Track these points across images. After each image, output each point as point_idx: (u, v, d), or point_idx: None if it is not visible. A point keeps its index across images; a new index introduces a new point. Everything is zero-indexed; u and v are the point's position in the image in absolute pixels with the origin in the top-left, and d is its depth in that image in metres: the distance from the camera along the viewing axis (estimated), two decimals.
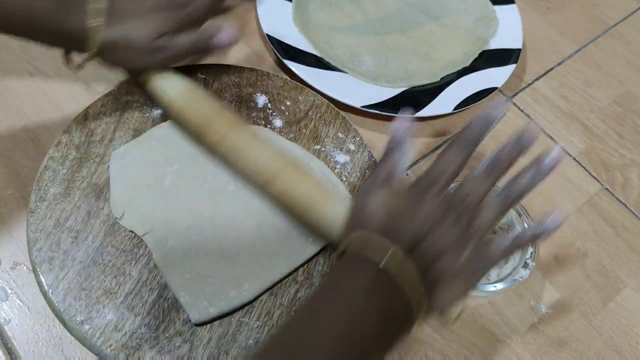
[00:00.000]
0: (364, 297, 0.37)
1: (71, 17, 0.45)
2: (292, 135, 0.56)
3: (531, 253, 0.50)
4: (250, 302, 0.46)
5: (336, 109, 0.57)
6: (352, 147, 0.55)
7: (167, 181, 0.51)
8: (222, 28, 0.50)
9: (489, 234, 0.41)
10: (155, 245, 0.47)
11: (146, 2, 0.48)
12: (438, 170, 0.41)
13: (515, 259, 0.50)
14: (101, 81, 0.59)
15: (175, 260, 0.47)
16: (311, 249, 0.49)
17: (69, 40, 0.47)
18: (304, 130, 0.56)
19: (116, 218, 0.49)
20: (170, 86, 0.51)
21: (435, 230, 0.39)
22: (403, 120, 0.42)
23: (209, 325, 0.45)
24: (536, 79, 0.68)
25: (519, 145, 0.41)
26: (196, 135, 0.51)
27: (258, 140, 0.49)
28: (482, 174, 0.41)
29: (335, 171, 0.54)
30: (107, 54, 0.48)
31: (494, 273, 0.50)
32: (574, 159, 0.62)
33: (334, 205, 0.46)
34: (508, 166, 0.41)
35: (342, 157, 0.55)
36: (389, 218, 0.39)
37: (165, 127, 0.54)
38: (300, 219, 0.48)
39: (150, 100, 0.54)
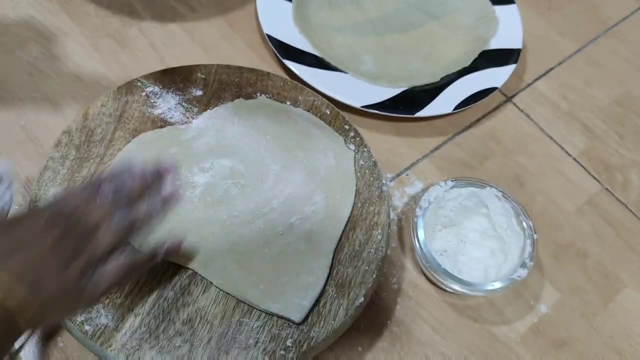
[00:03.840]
0: None
1: None
2: None
3: (529, 253, 0.50)
4: (329, 276, 0.47)
5: (336, 109, 0.57)
6: (352, 147, 0.55)
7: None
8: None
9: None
10: (211, 273, 0.47)
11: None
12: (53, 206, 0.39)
13: (514, 258, 0.50)
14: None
15: (236, 277, 0.47)
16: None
17: None
18: None
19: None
20: None
21: (32, 245, 0.36)
22: None
23: (208, 325, 0.45)
24: (536, 79, 0.68)
25: (135, 177, 0.40)
26: None
27: None
28: (103, 201, 0.39)
29: None
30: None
31: (492, 272, 0.50)
32: (574, 159, 0.62)
33: None
34: (132, 191, 0.40)
35: None
36: None
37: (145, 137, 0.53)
38: None
39: None
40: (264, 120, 0.55)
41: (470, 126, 0.63)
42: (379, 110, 0.59)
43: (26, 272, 0.35)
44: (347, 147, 0.55)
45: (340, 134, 0.56)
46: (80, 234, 0.37)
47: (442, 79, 0.63)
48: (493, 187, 0.53)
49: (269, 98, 0.57)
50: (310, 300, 0.46)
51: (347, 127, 0.56)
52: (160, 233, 0.47)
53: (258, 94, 0.57)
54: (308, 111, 0.57)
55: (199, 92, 0.57)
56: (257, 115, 0.56)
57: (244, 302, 0.46)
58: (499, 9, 0.69)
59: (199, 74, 0.57)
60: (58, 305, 0.37)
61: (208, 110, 0.55)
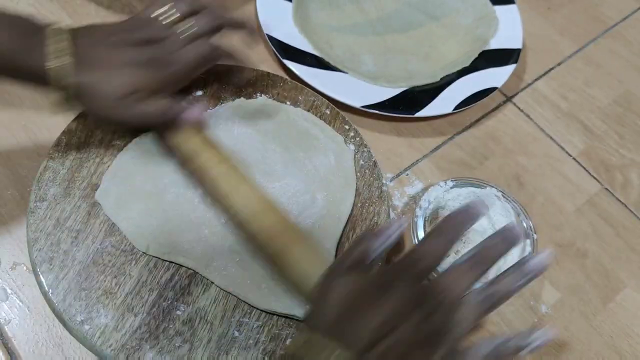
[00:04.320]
0: None
1: (32, 57, 0.42)
2: None
3: (529, 253, 0.50)
4: None
5: (336, 109, 0.57)
6: (352, 147, 0.55)
7: (169, 196, 0.50)
8: (195, 105, 0.49)
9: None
10: (211, 273, 0.47)
11: (124, 54, 0.45)
12: (415, 257, 0.35)
13: (514, 259, 0.50)
14: None
15: (238, 277, 0.47)
16: None
17: (35, 80, 0.44)
18: None
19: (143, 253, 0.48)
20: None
21: (399, 328, 0.33)
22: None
23: (208, 325, 0.45)
24: (536, 79, 0.68)
25: (509, 240, 0.36)
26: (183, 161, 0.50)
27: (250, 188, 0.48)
28: (466, 266, 0.36)
29: None
30: (77, 99, 0.45)
31: (492, 272, 0.50)
32: (574, 159, 0.62)
33: (320, 268, 0.41)
34: (494, 260, 0.36)
35: None
36: (347, 311, 0.34)
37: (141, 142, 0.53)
38: (286, 276, 0.46)
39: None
40: (265, 121, 0.55)
41: (470, 126, 0.63)
42: (379, 110, 0.59)
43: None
44: (347, 146, 0.55)
45: (340, 134, 0.56)
46: (440, 304, 0.34)
47: (442, 79, 0.63)
48: (493, 187, 0.53)
49: (270, 98, 0.57)
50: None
51: (347, 127, 0.56)
52: (160, 234, 0.48)
53: (258, 94, 0.58)
54: (308, 111, 0.57)
55: (199, 92, 0.57)
56: (258, 116, 0.56)
57: (244, 302, 0.46)
58: (499, 9, 0.69)
59: (199, 74, 0.57)
60: None
61: (208, 110, 0.55)
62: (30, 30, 0.43)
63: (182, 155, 0.50)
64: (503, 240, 0.37)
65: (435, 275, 0.37)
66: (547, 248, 0.38)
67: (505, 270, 0.37)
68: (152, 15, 0.48)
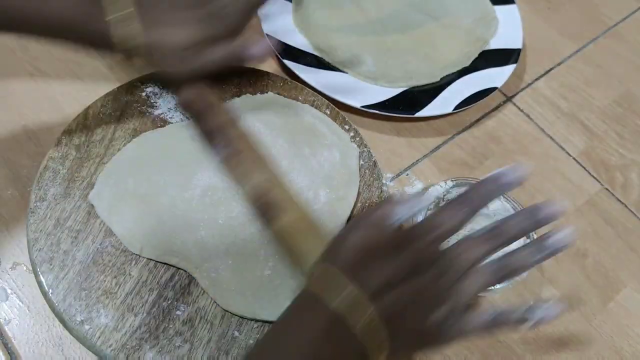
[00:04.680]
0: (314, 344, 0.35)
1: (96, 24, 0.46)
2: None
3: None
4: None
5: (336, 109, 0.58)
6: (354, 146, 0.55)
7: (165, 198, 0.50)
8: (256, 41, 0.50)
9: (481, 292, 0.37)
10: (201, 274, 0.47)
11: (183, 13, 0.48)
12: (434, 222, 0.37)
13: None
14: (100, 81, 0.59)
15: (225, 283, 0.46)
16: None
17: (99, 45, 0.48)
18: None
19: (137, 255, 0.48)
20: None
21: (410, 281, 0.35)
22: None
23: (208, 325, 0.45)
24: (536, 79, 0.68)
25: (533, 218, 0.37)
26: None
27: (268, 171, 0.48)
28: (482, 237, 0.37)
29: None
30: (145, 56, 0.48)
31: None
32: (574, 159, 0.62)
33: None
34: (514, 237, 0.37)
35: None
36: (363, 257, 0.36)
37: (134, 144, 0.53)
38: (289, 252, 0.47)
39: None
40: (271, 116, 0.55)
41: (470, 126, 0.63)
42: (379, 110, 0.59)
43: (392, 310, 0.35)
44: (353, 145, 0.55)
45: None
46: (451, 277, 0.36)
47: (442, 79, 0.63)
48: None
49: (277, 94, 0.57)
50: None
51: (347, 127, 0.56)
52: (154, 236, 0.48)
53: (258, 94, 0.57)
54: None
55: None
56: (264, 111, 0.56)
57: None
58: (499, 9, 0.69)
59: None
60: (408, 344, 0.37)
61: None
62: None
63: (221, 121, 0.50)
64: (529, 217, 0.37)
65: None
66: (568, 228, 0.38)
67: (525, 245, 0.37)
68: None
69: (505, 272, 0.37)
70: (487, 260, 0.37)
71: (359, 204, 0.52)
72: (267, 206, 0.46)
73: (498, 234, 0.37)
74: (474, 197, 0.37)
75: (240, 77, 0.58)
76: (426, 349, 0.39)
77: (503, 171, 0.37)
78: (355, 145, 0.55)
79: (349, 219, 0.51)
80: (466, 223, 0.37)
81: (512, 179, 0.37)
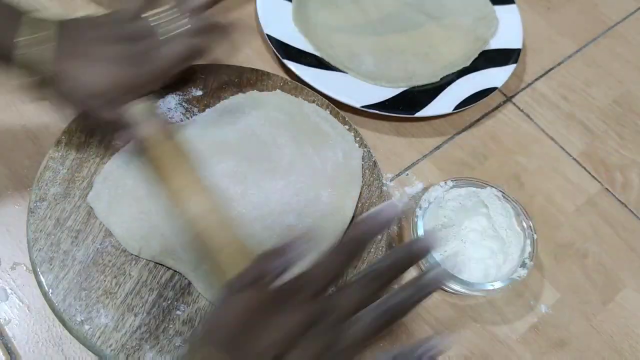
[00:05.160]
0: None
1: (6, 40, 0.43)
2: None
3: (529, 253, 0.50)
4: None
5: (336, 109, 0.58)
6: (356, 146, 0.55)
7: (163, 200, 0.49)
8: (151, 121, 0.47)
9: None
10: (197, 277, 0.46)
11: (104, 50, 0.45)
12: (312, 274, 0.34)
13: (513, 259, 0.50)
14: None
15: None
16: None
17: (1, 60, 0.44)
18: None
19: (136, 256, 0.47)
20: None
21: (292, 347, 0.32)
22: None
23: None
24: (536, 79, 0.68)
25: (408, 254, 0.34)
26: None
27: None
28: (360, 282, 0.34)
29: None
30: (52, 86, 0.45)
31: (492, 272, 0.50)
32: (574, 159, 0.62)
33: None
34: (392, 278, 0.34)
35: None
36: (240, 330, 0.33)
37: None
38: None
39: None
40: (277, 113, 0.55)
41: (470, 126, 0.63)
42: (379, 110, 0.59)
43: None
44: (356, 145, 0.55)
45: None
46: (334, 322, 0.33)
47: (442, 79, 0.63)
48: (493, 187, 0.53)
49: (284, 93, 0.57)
50: None
51: (347, 127, 0.56)
52: (152, 237, 0.48)
53: (265, 92, 0.57)
54: None
55: (199, 92, 0.57)
56: (270, 108, 0.56)
57: None
58: (499, 9, 0.69)
59: (199, 74, 0.57)
60: None
61: (224, 101, 0.56)
62: (7, 14, 0.43)
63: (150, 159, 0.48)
64: (403, 254, 0.34)
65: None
66: (439, 267, 0.36)
67: (401, 287, 0.34)
68: (143, 15, 0.48)
69: (388, 317, 0.34)
70: (372, 305, 0.34)
71: (358, 205, 0.52)
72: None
73: (376, 277, 0.34)
74: (350, 239, 0.34)
75: (240, 77, 0.58)
76: None
77: (378, 209, 0.34)
78: (358, 146, 0.55)
79: (351, 220, 0.51)
80: (347, 268, 0.35)
81: (389, 214, 0.34)
